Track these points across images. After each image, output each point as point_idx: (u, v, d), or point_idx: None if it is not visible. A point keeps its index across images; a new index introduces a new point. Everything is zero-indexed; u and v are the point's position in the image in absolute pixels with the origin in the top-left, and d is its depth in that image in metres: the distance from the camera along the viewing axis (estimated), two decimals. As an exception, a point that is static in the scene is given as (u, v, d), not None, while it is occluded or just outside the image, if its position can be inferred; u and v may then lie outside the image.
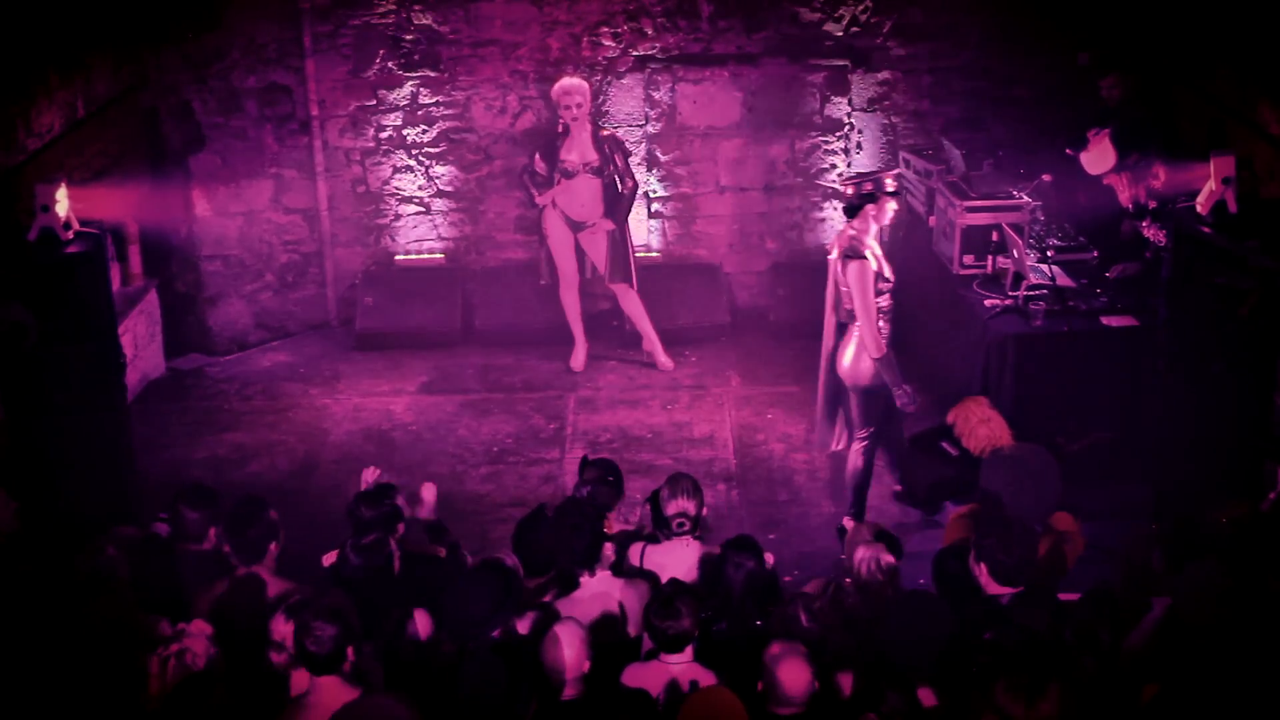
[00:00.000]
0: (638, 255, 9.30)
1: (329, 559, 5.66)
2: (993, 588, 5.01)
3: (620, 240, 9.07)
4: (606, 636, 5.20)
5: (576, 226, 9.01)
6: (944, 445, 5.87)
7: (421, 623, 4.89)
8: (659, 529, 5.76)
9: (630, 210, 9.16)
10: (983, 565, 5.02)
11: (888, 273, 6.86)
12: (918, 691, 4.47)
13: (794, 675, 4.41)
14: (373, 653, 4.87)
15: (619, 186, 8.95)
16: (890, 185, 6.82)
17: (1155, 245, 7.62)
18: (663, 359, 9.32)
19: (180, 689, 4.35)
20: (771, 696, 4.45)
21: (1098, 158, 8.15)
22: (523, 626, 5.07)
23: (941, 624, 4.55)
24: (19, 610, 4.99)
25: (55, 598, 5.11)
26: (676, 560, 5.65)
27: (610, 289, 9.26)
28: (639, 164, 9.75)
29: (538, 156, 8.95)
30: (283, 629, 4.77)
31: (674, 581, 5.27)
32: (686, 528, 5.68)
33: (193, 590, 5.34)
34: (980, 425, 6.06)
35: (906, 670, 4.50)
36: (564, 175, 8.88)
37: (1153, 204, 7.76)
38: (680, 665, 4.79)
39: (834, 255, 6.93)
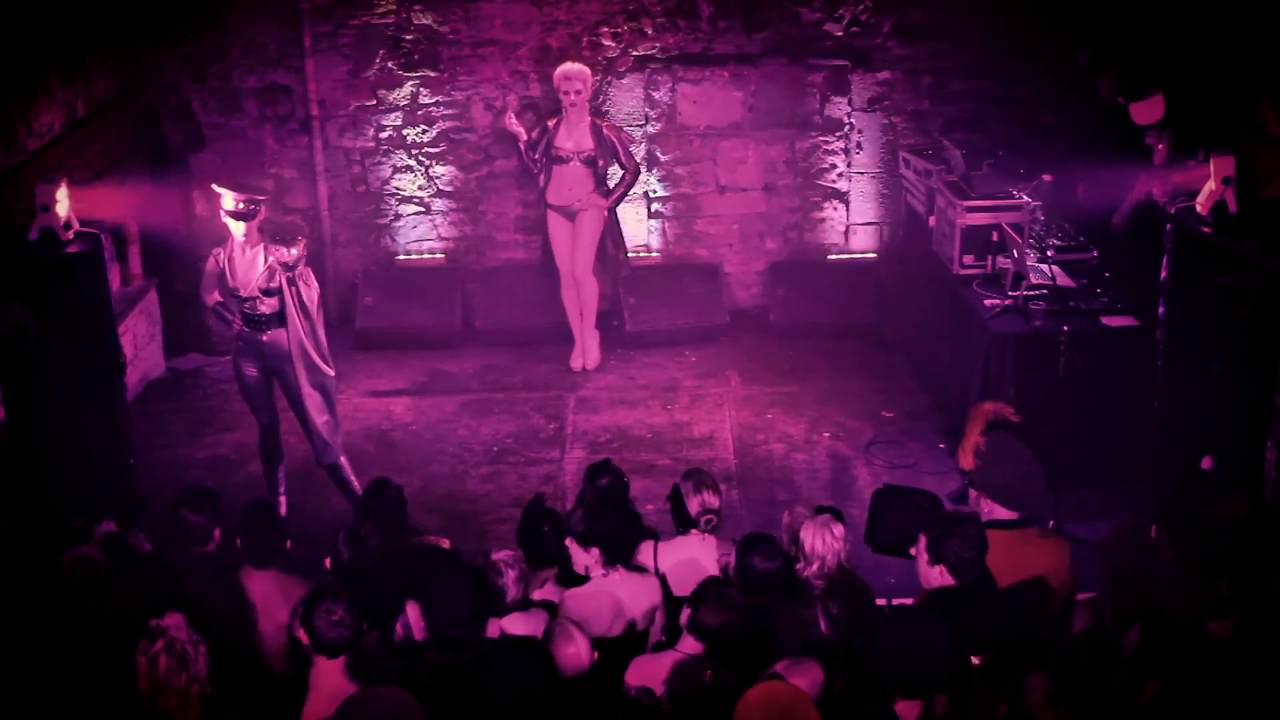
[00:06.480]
0: (639, 255, 9.24)
1: (329, 563, 5.65)
2: (940, 581, 4.77)
3: (616, 228, 9.08)
4: (611, 631, 5.20)
5: (569, 214, 9.00)
6: (918, 499, 5.73)
7: (413, 617, 4.88)
8: (680, 526, 5.71)
9: (625, 195, 9.16)
10: (939, 567, 4.75)
11: None
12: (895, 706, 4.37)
13: (812, 682, 4.33)
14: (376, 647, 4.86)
15: (620, 171, 8.96)
16: None
17: (1159, 216, 7.54)
18: (595, 358, 9.28)
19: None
20: None
21: (1148, 108, 8.12)
22: (527, 623, 5.06)
23: (940, 649, 4.38)
24: (17, 610, 4.99)
25: (52, 598, 5.10)
26: (691, 556, 5.58)
27: (578, 276, 9.09)
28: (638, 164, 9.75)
29: (534, 134, 8.90)
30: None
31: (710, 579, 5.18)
32: (714, 523, 5.61)
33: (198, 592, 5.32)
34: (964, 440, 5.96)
35: (899, 689, 4.38)
36: (556, 161, 8.87)
37: (1177, 178, 7.70)
38: (689, 654, 4.75)
39: None
